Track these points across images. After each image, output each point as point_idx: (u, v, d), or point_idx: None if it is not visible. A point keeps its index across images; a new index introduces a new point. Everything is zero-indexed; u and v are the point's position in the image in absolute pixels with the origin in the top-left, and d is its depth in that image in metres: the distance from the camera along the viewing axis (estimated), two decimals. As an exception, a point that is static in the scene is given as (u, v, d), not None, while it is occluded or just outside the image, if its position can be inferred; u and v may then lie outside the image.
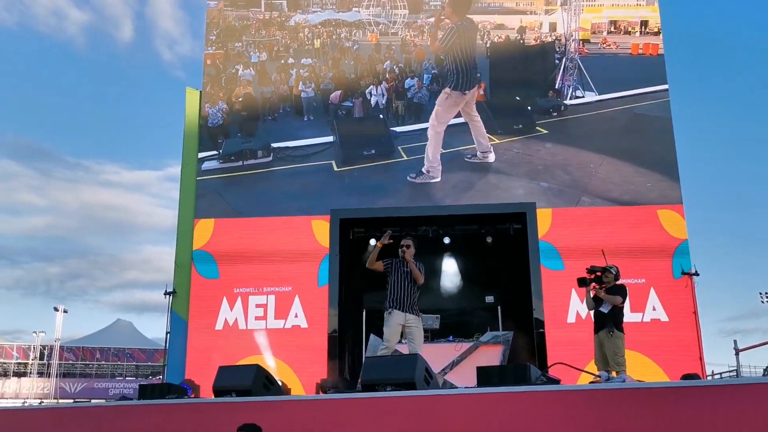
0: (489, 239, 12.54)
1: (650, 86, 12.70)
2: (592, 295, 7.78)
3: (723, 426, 4.43)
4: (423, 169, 12.49)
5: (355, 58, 13.55)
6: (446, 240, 12.63)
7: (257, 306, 11.86)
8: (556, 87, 13.12)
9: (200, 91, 13.29)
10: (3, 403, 31.50)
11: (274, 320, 11.76)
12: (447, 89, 12.71)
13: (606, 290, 7.63)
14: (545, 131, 12.77)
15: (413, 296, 7.20)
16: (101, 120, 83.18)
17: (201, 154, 12.90)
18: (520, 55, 13.43)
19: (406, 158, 12.72)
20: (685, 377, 7.66)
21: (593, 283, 7.76)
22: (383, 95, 13.17)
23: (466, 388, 5.75)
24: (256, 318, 11.81)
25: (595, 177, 12.21)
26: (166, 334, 12.09)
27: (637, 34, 13.30)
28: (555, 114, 12.89)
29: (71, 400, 30.38)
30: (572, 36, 13.30)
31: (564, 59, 13.21)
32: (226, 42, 13.58)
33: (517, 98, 13.05)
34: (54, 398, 34.83)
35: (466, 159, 12.54)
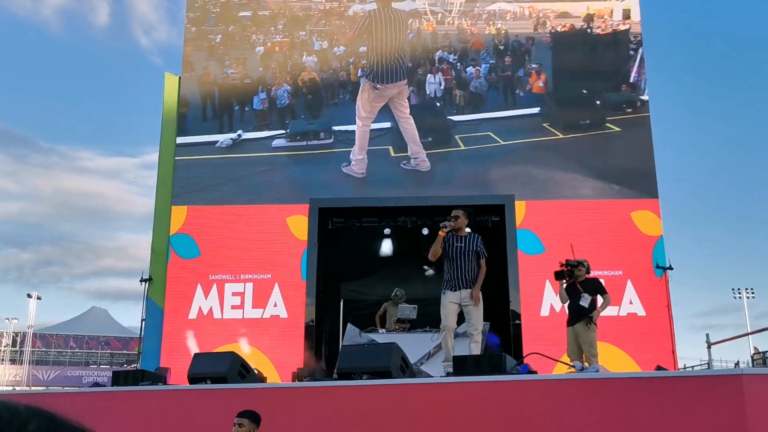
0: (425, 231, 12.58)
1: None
2: (564, 286, 7.95)
3: (693, 415, 4.49)
4: (351, 161, 12.44)
5: (411, 46, 13.32)
6: (425, 231, 12.63)
7: (233, 294, 11.78)
8: (631, 81, 12.48)
9: (179, 77, 13.14)
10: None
11: (251, 309, 11.70)
12: (363, 82, 12.78)
13: (579, 283, 7.78)
14: (617, 128, 12.24)
15: (468, 272, 6.75)
16: (76, 105, 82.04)
17: (269, 132, 12.89)
18: (588, 45, 12.86)
19: (463, 147, 12.46)
20: (658, 369, 7.79)
21: (567, 277, 7.92)
22: (440, 84, 12.98)
23: (441, 377, 5.77)
24: (233, 307, 11.74)
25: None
26: (142, 321, 12.00)
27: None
28: (629, 110, 12.27)
29: (44, 388, 30.05)
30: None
31: (641, 49, 12.54)
32: (291, 31, 13.56)
33: (584, 91, 12.52)
34: (26, 386, 34.40)
35: (402, 165, 12.41)
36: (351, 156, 12.50)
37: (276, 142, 12.91)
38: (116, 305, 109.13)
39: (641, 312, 11.22)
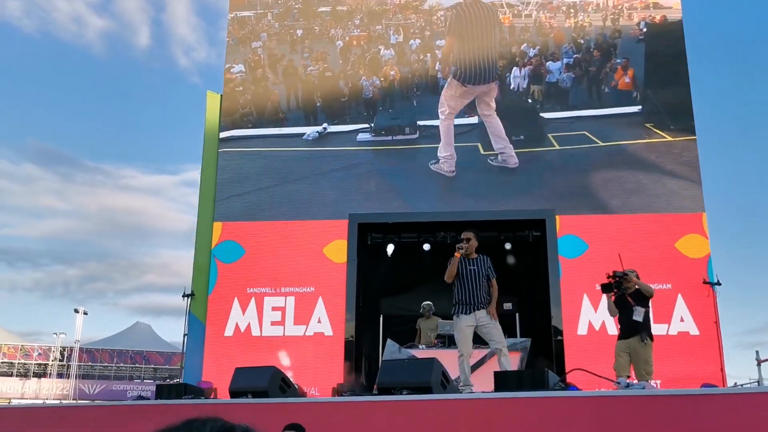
0: (507, 246, 12.45)
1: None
2: (613, 300, 7.69)
3: (745, 435, 4.35)
4: (438, 159, 12.26)
5: (490, 39, 13.05)
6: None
7: (273, 309, 11.85)
8: None
9: (220, 95, 13.38)
10: (23, 402, 31.82)
11: (293, 326, 11.74)
12: (449, 78, 12.51)
13: (629, 295, 7.52)
14: (692, 137, 11.74)
15: (482, 293, 6.77)
16: (119, 125, 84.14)
17: (355, 126, 12.93)
18: (681, 38, 12.26)
19: (557, 147, 12.10)
20: (705, 387, 7.55)
21: (615, 289, 7.65)
22: (525, 78, 12.69)
23: (483, 392, 5.70)
24: (273, 323, 11.80)
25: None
26: (184, 336, 12.16)
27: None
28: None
29: (90, 401, 30.60)
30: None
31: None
32: (368, 25, 13.70)
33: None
34: (73, 399, 35.12)
35: (489, 161, 12.11)
36: (438, 153, 12.30)
37: (361, 136, 12.89)
38: (158, 320, 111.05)
39: (689, 329, 10.93)
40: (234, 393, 6.45)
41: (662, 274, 10.90)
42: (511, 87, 12.73)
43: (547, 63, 12.68)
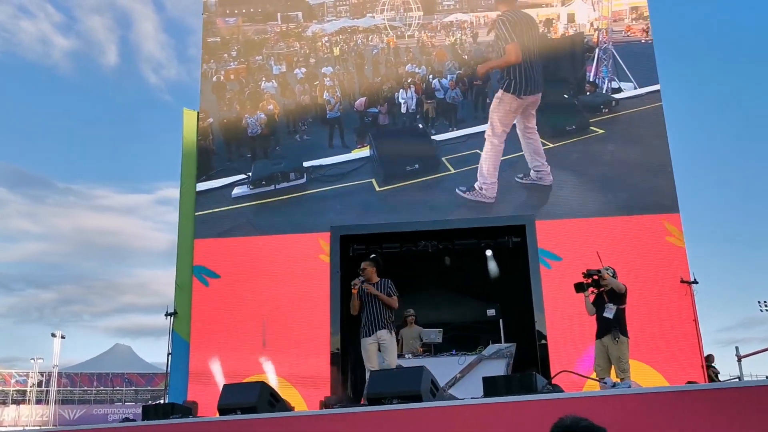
0: (488, 252, 12.55)
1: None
2: (591, 300, 7.76)
3: (730, 429, 4.44)
4: (476, 185, 11.91)
5: (374, 63, 13.44)
6: (446, 255, 12.64)
7: (257, 324, 11.81)
8: (592, 80, 12.57)
9: (197, 112, 13.34)
10: (2, 430, 31.17)
11: (276, 339, 11.71)
12: (499, 92, 12.15)
13: (606, 293, 7.58)
14: (601, 131, 12.13)
15: (383, 316, 7.35)
16: (90, 145, 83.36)
17: (226, 180, 12.61)
18: (549, 50, 12.82)
19: (453, 171, 12.20)
20: (689, 384, 7.66)
21: (591, 287, 7.72)
22: (413, 98, 12.90)
23: (472, 398, 5.74)
24: (258, 335, 11.75)
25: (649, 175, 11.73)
26: (168, 355, 12.04)
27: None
28: (606, 110, 12.20)
29: (71, 427, 30.05)
30: (604, 23, 12.77)
31: (597, 50, 12.62)
32: (247, 56, 13.62)
33: (565, 96, 12.42)
34: (53, 425, 34.49)
35: (517, 179, 11.86)
36: (481, 178, 11.96)
37: (237, 191, 12.50)
38: (137, 341, 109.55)
39: (667, 327, 11.08)
40: (222, 410, 6.41)
41: (638, 274, 11.05)
42: (402, 110, 12.90)
43: (433, 81, 12.98)
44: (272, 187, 12.55)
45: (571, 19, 13.15)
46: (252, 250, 12.22)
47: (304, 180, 12.57)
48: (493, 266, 12.69)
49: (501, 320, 12.33)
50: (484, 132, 12.33)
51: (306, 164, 12.66)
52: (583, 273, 7.74)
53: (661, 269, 11.34)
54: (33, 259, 76.20)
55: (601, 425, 4.76)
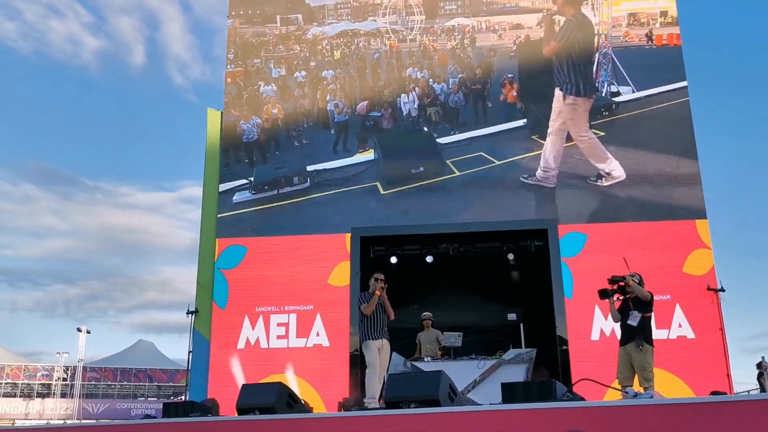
0: (510, 256, 12.45)
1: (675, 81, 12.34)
2: (616, 307, 7.61)
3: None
4: (537, 174, 12.07)
5: (376, 66, 13.46)
6: (467, 257, 12.57)
7: (278, 325, 11.86)
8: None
9: (221, 112, 13.43)
10: (28, 423, 31.70)
11: (295, 339, 11.76)
12: (571, 98, 12.25)
13: (631, 300, 7.42)
14: (602, 133, 12.20)
15: (386, 324, 8.01)
16: (116, 143, 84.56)
17: (230, 184, 12.69)
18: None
19: (458, 173, 12.26)
20: (714, 395, 7.49)
21: (617, 294, 7.57)
22: (415, 102, 12.94)
23: (490, 405, 5.69)
24: (278, 337, 11.82)
25: (677, 183, 11.69)
26: (189, 353, 12.14)
27: (657, 25, 12.85)
28: (606, 113, 12.27)
29: (95, 420, 30.52)
30: (604, 29, 12.83)
31: (597, 54, 12.68)
32: (245, 59, 13.62)
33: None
34: (77, 419, 35.00)
35: (589, 181, 11.89)
36: (544, 167, 12.05)
37: (238, 197, 12.52)
38: (160, 338, 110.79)
39: (692, 335, 10.91)
40: (241, 410, 6.43)
41: (665, 282, 10.88)
42: (404, 114, 12.90)
43: (434, 85, 12.98)
44: (275, 191, 12.54)
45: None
46: (275, 247, 12.25)
47: (308, 184, 12.55)
48: (515, 272, 12.59)
49: (521, 324, 12.22)
50: (486, 135, 12.51)
51: (309, 168, 12.64)
52: (608, 279, 7.59)
53: (688, 276, 11.16)
54: (60, 255, 77.64)
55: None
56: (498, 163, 12.23)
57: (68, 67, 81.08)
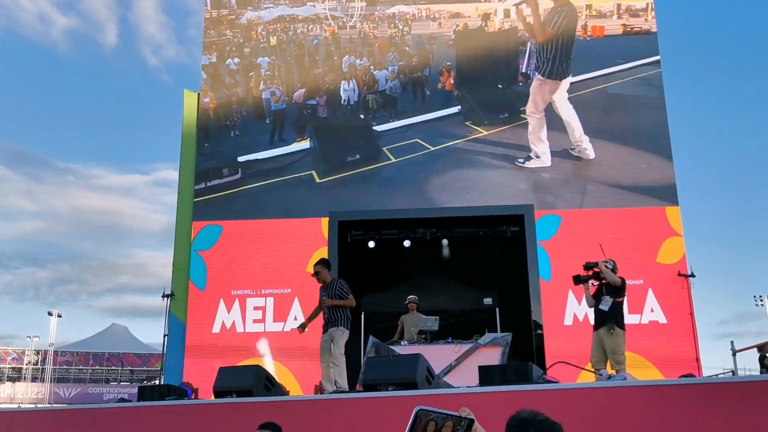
0: (486, 241, 12.55)
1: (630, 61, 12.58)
2: (591, 293, 7.74)
3: (724, 423, 4.45)
4: (531, 155, 12.22)
5: (314, 53, 13.22)
6: (444, 242, 12.64)
7: (255, 308, 11.83)
8: (523, 71, 12.90)
9: (198, 94, 13.25)
10: (-3, 408, 31.30)
11: (272, 323, 11.74)
12: (539, 76, 12.53)
13: (605, 285, 7.57)
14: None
15: (331, 314, 7.59)
16: (88, 124, 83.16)
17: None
18: (486, 42, 13.19)
19: (394, 160, 12.33)
20: (685, 377, 7.67)
21: (591, 280, 7.71)
22: (355, 90, 12.81)
23: (468, 387, 5.76)
24: (254, 321, 11.79)
25: (596, 162, 12.03)
26: (164, 337, 12.07)
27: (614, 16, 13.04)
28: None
29: (66, 404, 30.20)
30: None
31: (529, 44, 12.96)
32: None
33: (499, 86, 12.74)
34: (48, 403, 34.64)
35: (517, 162, 12.15)
36: (535, 149, 12.18)
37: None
38: (134, 322, 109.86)
39: (664, 320, 11.12)
40: (218, 393, 6.43)
41: (638, 269, 11.06)
42: (344, 102, 12.85)
43: (374, 72, 12.96)
44: (203, 184, 12.43)
45: (506, 14, 13.34)
46: (250, 231, 12.20)
47: (239, 175, 12.42)
48: (491, 257, 12.69)
49: (497, 309, 12.34)
50: (422, 122, 12.64)
51: (241, 159, 12.50)
52: (583, 265, 7.74)
53: (661, 265, 11.35)
54: (30, 237, 76.34)
55: (594, 417, 4.77)
56: (433, 149, 12.38)
57: (38, 45, 79.34)
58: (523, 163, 12.18)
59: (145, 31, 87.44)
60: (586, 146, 12.17)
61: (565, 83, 12.51)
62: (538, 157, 12.19)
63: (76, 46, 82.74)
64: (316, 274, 7.74)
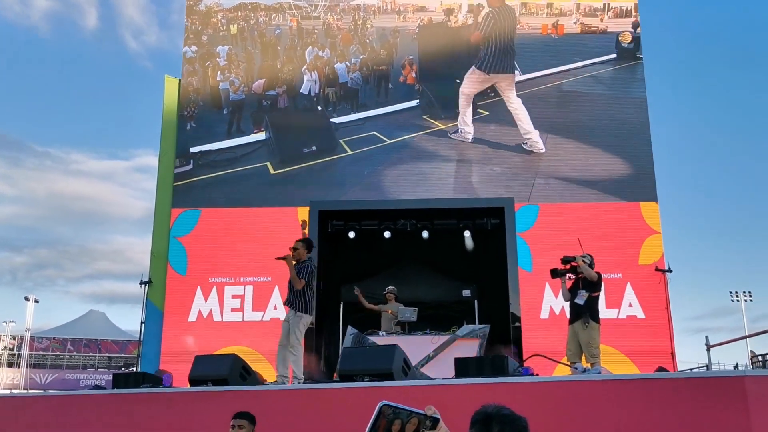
0: (467, 233, 12.57)
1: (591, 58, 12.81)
2: (567, 287, 7.79)
3: (696, 417, 4.50)
4: (459, 129, 12.44)
5: (275, 43, 13.08)
6: (424, 234, 12.64)
7: (233, 297, 11.76)
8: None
9: (179, 79, 13.10)
10: (-29, 393, 30.94)
11: (251, 312, 11.68)
12: (474, 66, 12.69)
13: (581, 280, 7.62)
14: (486, 112, 12.63)
15: (290, 294, 7.28)
16: (68, 108, 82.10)
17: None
18: (448, 37, 13.24)
19: (351, 152, 12.31)
20: (659, 371, 7.74)
21: (568, 274, 7.76)
22: (316, 82, 12.72)
23: (444, 379, 5.77)
24: (233, 309, 11.72)
25: (545, 157, 12.21)
26: (141, 324, 11.98)
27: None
28: (492, 94, 12.71)
29: (41, 391, 29.95)
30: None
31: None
32: None
33: (457, 81, 12.79)
34: (24, 389, 34.33)
35: (522, 145, 12.29)
36: (461, 127, 12.41)
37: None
38: (112, 308, 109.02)
39: (640, 314, 11.23)
40: (194, 381, 6.39)
41: (611, 262, 11.13)
42: (305, 93, 12.78)
43: (336, 65, 12.91)
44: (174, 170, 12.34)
45: (471, 9, 13.35)
46: (230, 219, 12.12)
47: (190, 166, 12.32)
48: (470, 245, 12.73)
49: (476, 301, 12.39)
50: (380, 114, 12.69)
51: (194, 149, 12.39)
52: (561, 259, 7.79)
53: (637, 257, 11.45)
54: (6, 221, 75.43)
55: (568, 410, 4.80)
56: (389, 142, 12.41)
57: (17, 27, 78.04)
58: (452, 134, 12.42)
59: (125, 15, 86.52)
60: (536, 140, 12.32)
61: (509, 78, 12.66)
62: (461, 133, 12.45)
63: (55, 29, 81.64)
64: (294, 249, 7.42)
